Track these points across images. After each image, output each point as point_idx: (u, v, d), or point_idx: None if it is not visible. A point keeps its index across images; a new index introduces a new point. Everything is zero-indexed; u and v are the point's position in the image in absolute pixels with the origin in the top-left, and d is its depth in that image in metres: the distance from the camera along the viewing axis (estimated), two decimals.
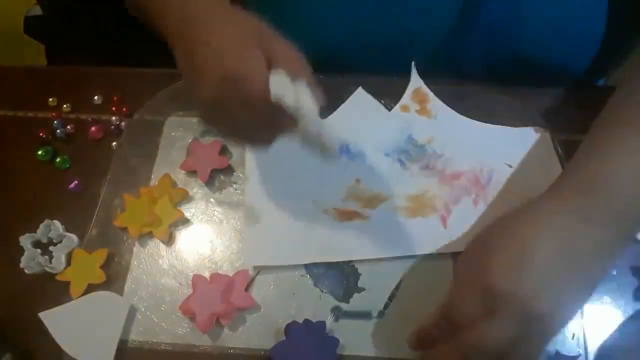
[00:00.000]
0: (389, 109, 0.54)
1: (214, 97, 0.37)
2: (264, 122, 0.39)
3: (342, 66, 0.55)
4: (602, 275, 0.37)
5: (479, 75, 0.56)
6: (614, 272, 0.46)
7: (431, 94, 0.55)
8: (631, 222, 0.37)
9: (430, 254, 0.47)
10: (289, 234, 0.47)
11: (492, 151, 0.51)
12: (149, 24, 0.47)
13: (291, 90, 0.37)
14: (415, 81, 0.55)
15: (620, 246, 0.37)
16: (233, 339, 0.44)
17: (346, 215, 0.48)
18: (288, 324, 0.43)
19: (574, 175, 0.38)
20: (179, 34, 0.40)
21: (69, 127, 0.55)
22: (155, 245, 0.48)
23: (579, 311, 0.40)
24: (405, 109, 0.54)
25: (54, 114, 0.56)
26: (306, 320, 0.43)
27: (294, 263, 0.46)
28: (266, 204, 0.49)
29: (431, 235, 0.47)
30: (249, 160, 0.52)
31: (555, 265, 0.35)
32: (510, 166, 0.50)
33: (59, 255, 0.46)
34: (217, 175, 0.52)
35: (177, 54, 0.40)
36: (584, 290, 0.36)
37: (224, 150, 0.53)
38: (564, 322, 0.36)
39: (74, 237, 0.48)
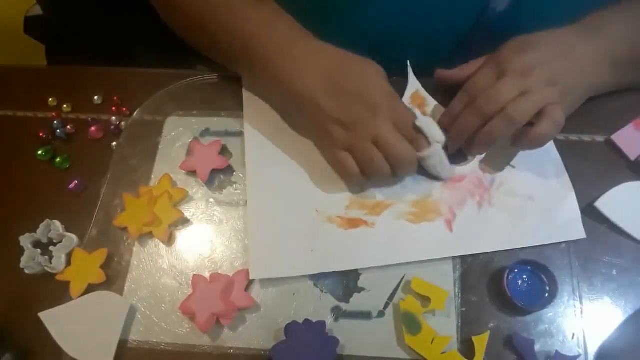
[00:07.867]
0: None
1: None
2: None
3: None
4: (588, 74, 0.47)
5: None
6: (614, 272, 0.46)
7: (429, 97, 0.54)
8: (618, 49, 0.47)
9: None
10: (294, 245, 0.47)
11: (494, 152, 0.51)
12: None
13: (436, 128, 0.47)
14: (413, 84, 0.55)
15: (605, 61, 0.47)
16: (233, 339, 0.44)
17: (351, 223, 0.48)
18: (288, 324, 0.43)
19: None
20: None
21: (69, 127, 0.55)
22: (155, 245, 0.48)
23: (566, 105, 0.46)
24: None
25: (54, 114, 0.56)
26: (306, 320, 0.43)
27: (301, 274, 0.46)
28: (269, 216, 0.48)
29: (438, 240, 0.47)
30: (250, 171, 0.51)
31: (554, 44, 0.46)
32: (513, 167, 0.50)
33: (59, 255, 0.47)
34: (217, 175, 0.52)
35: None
36: (573, 71, 0.46)
37: (224, 150, 0.53)
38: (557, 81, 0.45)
39: (74, 237, 0.48)
